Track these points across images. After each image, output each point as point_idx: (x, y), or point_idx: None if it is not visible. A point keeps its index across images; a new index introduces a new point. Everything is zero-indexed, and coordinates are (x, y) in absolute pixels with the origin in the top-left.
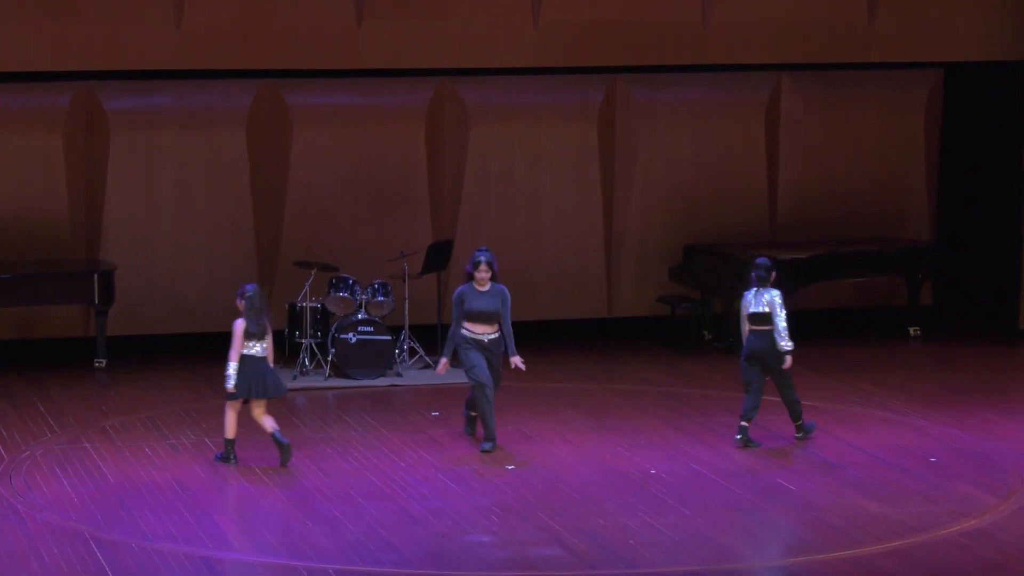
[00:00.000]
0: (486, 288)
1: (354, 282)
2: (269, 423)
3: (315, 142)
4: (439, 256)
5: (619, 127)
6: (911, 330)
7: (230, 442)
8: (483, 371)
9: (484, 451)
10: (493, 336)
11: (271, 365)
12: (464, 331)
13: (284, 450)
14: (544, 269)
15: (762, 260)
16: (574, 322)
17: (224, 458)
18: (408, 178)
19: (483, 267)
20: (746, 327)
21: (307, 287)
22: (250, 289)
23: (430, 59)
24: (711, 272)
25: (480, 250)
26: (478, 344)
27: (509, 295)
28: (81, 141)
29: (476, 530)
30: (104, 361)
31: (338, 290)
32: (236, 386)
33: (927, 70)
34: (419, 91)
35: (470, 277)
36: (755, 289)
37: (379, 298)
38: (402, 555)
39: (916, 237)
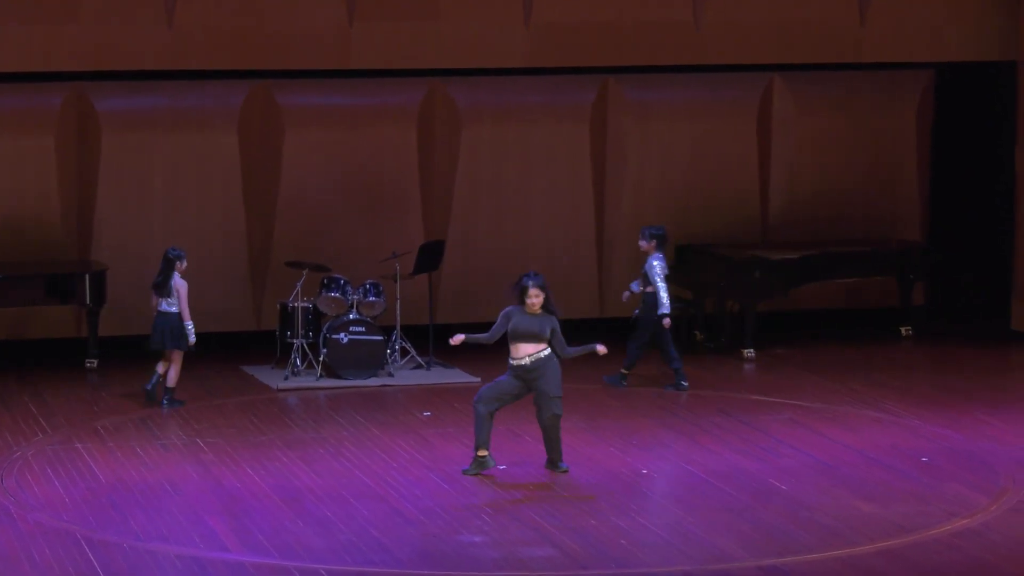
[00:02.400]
0: (536, 314)
1: (346, 282)
2: (172, 373)
3: (307, 143)
4: (431, 256)
5: (611, 128)
6: (903, 330)
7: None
8: (488, 392)
9: (464, 471)
10: (536, 357)
11: (184, 322)
12: (509, 359)
13: (151, 396)
14: (536, 269)
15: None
16: (566, 322)
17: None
18: (400, 178)
19: (533, 291)
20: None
21: (299, 287)
22: (170, 251)
23: (422, 60)
24: (703, 272)
25: (528, 275)
26: (519, 370)
27: (558, 322)
28: (73, 142)
29: (468, 530)
30: (96, 361)
31: (330, 290)
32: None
33: (918, 71)
34: (411, 92)
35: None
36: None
37: (371, 298)
38: (394, 555)
39: (908, 237)
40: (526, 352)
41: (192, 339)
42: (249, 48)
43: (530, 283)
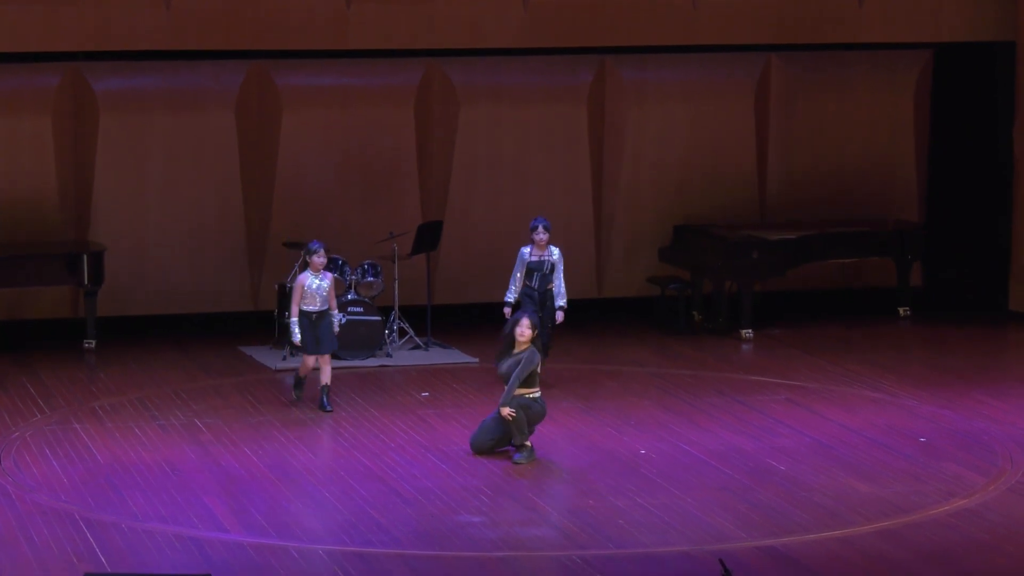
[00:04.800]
0: (520, 351)
1: (344, 263)
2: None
3: (304, 123)
4: (429, 237)
5: (608, 108)
6: (901, 311)
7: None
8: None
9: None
10: (524, 397)
11: (289, 318)
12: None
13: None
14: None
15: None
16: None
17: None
18: (397, 159)
19: (526, 325)
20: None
21: (296, 268)
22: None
23: (419, 40)
24: (701, 253)
25: (522, 311)
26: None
27: (538, 358)
28: (70, 122)
29: (466, 510)
30: (93, 342)
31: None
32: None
33: (916, 51)
34: (408, 72)
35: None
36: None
37: (369, 279)
38: (392, 535)
39: (906, 217)
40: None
41: (295, 338)
42: (246, 28)
43: (523, 317)
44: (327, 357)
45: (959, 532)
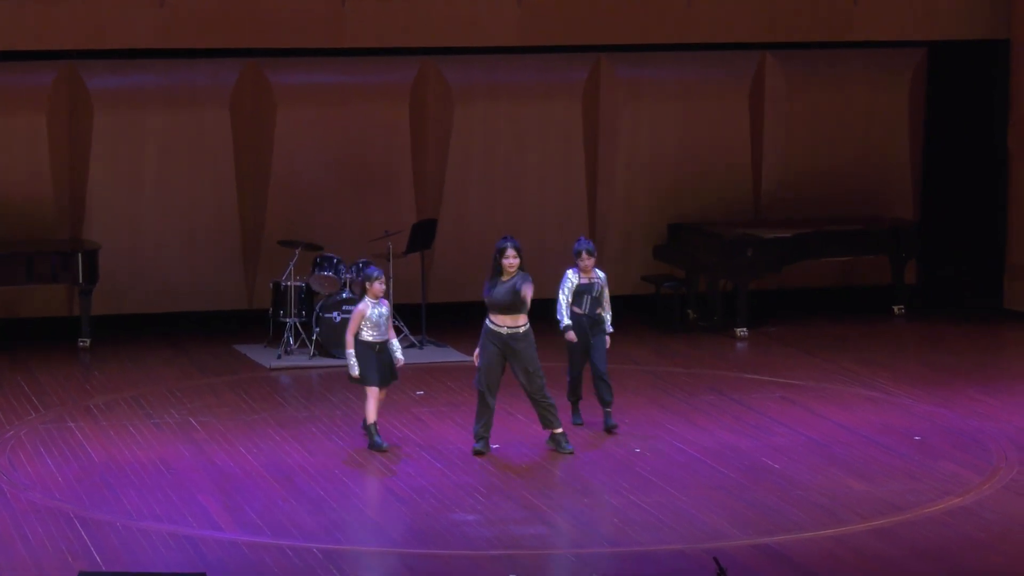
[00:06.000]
0: (511, 279)
1: (338, 261)
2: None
3: (299, 121)
4: (423, 235)
5: (603, 106)
6: (895, 309)
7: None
8: (484, 378)
9: (474, 451)
10: (514, 330)
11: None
12: (487, 321)
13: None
14: (527, 247)
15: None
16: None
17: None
18: (392, 157)
19: (510, 252)
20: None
21: (291, 266)
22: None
23: (414, 38)
24: (696, 251)
25: (505, 238)
26: (495, 337)
27: (529, 282)
28: (65, 120)
29: (460, 509)
30: (88, 340)
31: (322, 269)
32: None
33: (911, 48)
34: (403, 70)
35: (497, 270)
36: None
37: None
38: (387, 534)
39: (900, 216)
40: (503, 323)
41: (354, 371)
42: (241, 26)
43: (507, 244)
44: (384, 390)
45: (954, 530)
